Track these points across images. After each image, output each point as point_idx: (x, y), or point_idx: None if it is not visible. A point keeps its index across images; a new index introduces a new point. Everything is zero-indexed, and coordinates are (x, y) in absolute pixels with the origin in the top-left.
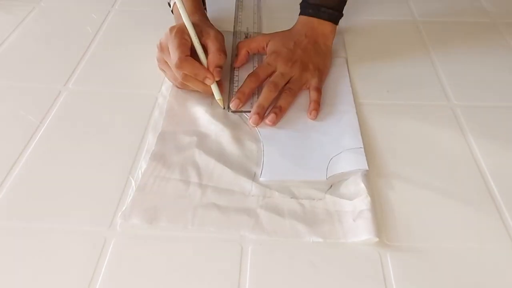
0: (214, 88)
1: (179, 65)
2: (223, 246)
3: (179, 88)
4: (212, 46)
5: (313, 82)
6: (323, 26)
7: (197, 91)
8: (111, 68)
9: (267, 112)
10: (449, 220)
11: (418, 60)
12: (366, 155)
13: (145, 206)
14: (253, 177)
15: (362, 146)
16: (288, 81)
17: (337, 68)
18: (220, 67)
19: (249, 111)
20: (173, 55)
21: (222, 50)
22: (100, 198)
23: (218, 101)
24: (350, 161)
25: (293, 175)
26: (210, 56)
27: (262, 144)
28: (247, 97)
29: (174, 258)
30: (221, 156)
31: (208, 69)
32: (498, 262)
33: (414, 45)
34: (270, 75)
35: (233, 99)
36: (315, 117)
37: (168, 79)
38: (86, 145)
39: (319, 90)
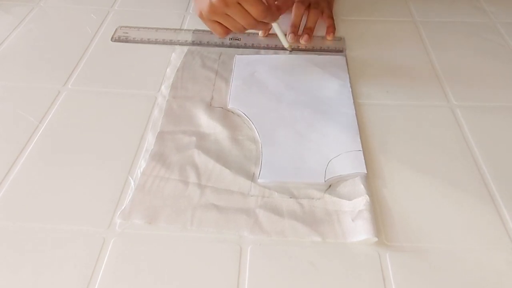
0: (280, 35)
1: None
2: (222, 246)
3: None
4: None
5: (327, 10)
6: None
7: (196, 91)
8: (110, 68)
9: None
10: (449, 220)
11: (418, 60)
12: (365, 156)
13: (144, 206)
14: (252, 177)
15: (361, 149)
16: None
17: (337, 68)
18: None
19: None
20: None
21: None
22: (99, 198)
23: (288, 47)
24: (349, 164)
25: (292, 177)
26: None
27: (260, 145)
28: (298, 28)
29: (173, 258)
30: (220, 157)
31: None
32: (498, 262)
33: (414, 45)
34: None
35: (287, 34)
36: (332, 37)
37: (213, 31)
38: (85, 145)
39: (332, 17)
